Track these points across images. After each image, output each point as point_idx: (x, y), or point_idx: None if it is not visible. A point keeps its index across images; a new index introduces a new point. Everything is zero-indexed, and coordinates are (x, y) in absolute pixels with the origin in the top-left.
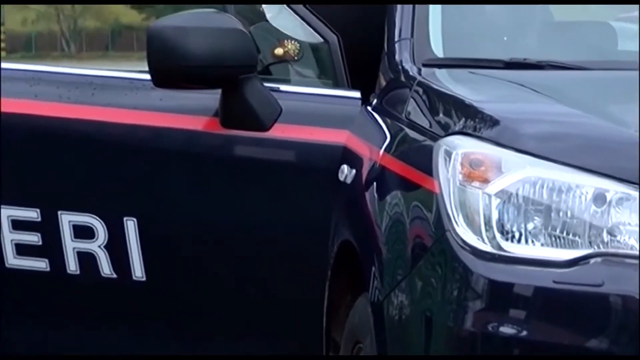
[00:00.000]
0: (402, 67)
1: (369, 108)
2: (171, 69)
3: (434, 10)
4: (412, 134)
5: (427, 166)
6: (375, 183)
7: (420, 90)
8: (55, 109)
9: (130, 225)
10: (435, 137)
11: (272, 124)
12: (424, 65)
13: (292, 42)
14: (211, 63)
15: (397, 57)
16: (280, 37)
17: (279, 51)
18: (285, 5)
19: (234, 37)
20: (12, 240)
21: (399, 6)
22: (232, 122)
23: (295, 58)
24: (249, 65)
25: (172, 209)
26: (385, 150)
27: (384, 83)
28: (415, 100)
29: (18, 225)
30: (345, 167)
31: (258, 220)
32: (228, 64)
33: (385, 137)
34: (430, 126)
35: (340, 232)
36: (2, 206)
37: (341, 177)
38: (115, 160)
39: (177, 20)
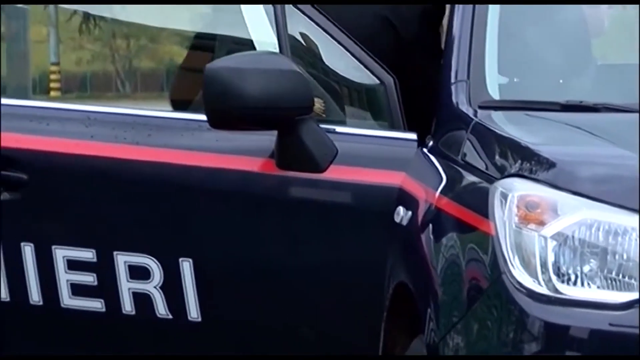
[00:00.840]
0: (459, 109)
1: (425, 150)
2: (227, 110)
3: (490, 52)
4: (468, 176)
5: (483, 208)
6: (431, 225)
7: (477, 133)
8: (111, 149)
9: (186, 266)
10: (491, 179)
11: (327, 165)
12: (480, 107)
13: (318, 100)
14: (267, 104)
15: (453, 99)
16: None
17: None
18: (342, 47)
19: (290, 79)
20: (67, 281)
21: (455, 48)
22: (288, 163)
23: (323, 115)
24: (305, 106)
25: (228, 250)
26: (441, 192)
27: (440, 125)
28: (471, 142)
29: (73, 265)
30: (401, 209)
31: (313, 262)
32: (284, 106)
33: (441, 179)
34: (487, 168)
35: (395, 273)
36: (58, 246)
37: (397, 219)
38: (171, 201)
39: (233, 62)
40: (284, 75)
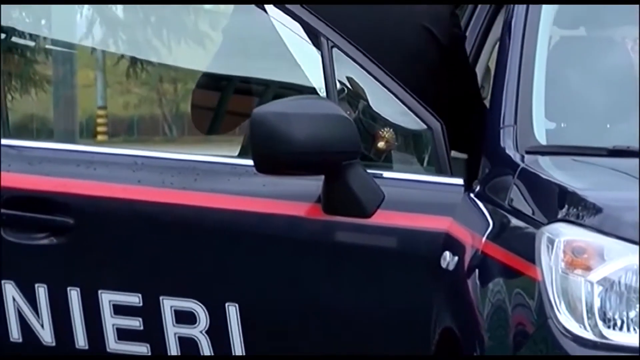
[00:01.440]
0: (506, 154)
1: (472, 195)
2: (274, 155)
3: (538, 97)
4: (515, 221)
5: (529, 253)
6: (477, 270)
7: (524, 178)
8: (158, 194)
9: (232, 311)
10: (538, 225)
11: (374, 210)
12: (527, 152)
13: (386, 130)
14: (314, 149)
15: (500, 143)
16: (373, 129)
17: (381, 145)
18: (389, 92)
19: (337, 123)
20: (113, 325)
21: (502, 93)
22: (335, 208)
23: (396, 143)
24: (352, 151)
25: (274, 295)
26: (487, 237)
27: (486, 170)
28: (518, 187)
29: (119, 310)
30: (447, 254)
31: (360, 306)
32: (330, 150)
33: (488, 224)
34: (533, 213)
35: (441, 319)
36: (104, 291)
37: (443, 264)
38: (217, 246)
39: (279, 106)
40: (331, 120)
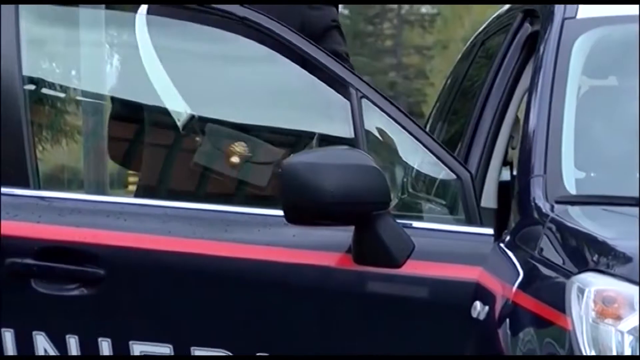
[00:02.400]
0: (535, 204)
1: (502, 244)
2: (304, 205)
3: (567, 147)
4: (545, 270)
5: (560, 303)
6: (507, 320)
7: (553, 228)
8: (188, 245)
9: None
10: (568, 274)
11: (404, 260)
12: (557, 202)
13: (237, 143)
14: (344, 200)
15: (529, 194)
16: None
17: (234, 160)
18: (418, 142)
19: (367, 174)
20: None
21: (531, 142)
22: (365, 258)
23: (250, 154)
24: (382, 201)
25: (305, 345)
26: (518, 286)
27: (516, 220)
28: (548, 237)
29: None
30: (478, 304)
31: (391, 357)
32: (361, 201)
33: (518, 274)
34: (563, 263)
35: None
36: (135, 342)
37: (474, 314)
38: (247, 296)
39: (309, 157)
40: (361, 171)
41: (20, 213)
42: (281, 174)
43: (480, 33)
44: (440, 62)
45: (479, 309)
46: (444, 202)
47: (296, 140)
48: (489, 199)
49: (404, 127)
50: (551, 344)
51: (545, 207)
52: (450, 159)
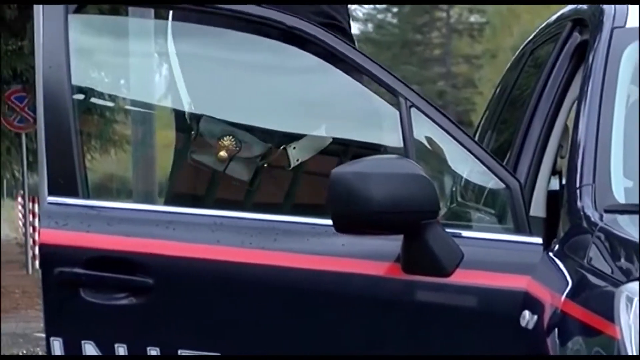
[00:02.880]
0: (584, 213)
1: (551, 254)
2: (353, 214)
3: (616, 155)
4: (594, 279)
5: (608, 312)
6: (556, 329)
7: (602, 237)
8: (237, 254)
9: None
10: (616, 284)
11: (453, 269)
12: (606, 211)
13: (226, 137)
14: (393, 209)
15: (578, 203)
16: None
17: (222, 155)
18: (467, 151)
19: (416, 183)
20: None
21: (580, 151)
22: (414, 267)
23: (237, 148)
24: (431, 210)
25: (354, 354)
26: (567, 295)
27: (565, 229)
28: (596, 246)
29: None
30: (527, 313)
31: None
32: (410, 210)
33: (567, 283)
34: (612, 272)
35: None
36: (183, 350)
37: (523, 323)
38: (296, 306)
39: (358, 166)
40: (410, 180)
41: (69, 222)
42: (330, 183)
43: (529, 42)
44: (489, 71)
45: (527, 318)
46: (493, 211)
47: (346, 149)
48: (538, 208)
49: (453, 136)
50: (599, 353)
51: (594, 216)
52: (499, 168)
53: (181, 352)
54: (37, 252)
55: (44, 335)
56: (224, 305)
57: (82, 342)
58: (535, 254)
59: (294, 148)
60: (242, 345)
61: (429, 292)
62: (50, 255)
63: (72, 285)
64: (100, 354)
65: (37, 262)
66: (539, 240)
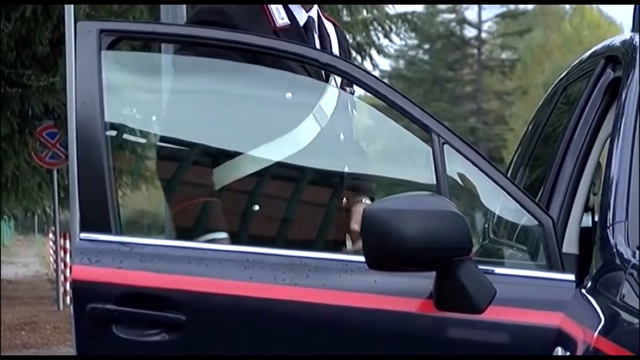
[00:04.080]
0: (617, 250)
1: (583, 291)
2: (386, 251)
3: None
4: (626, 316)
5: None
6: None
7: (635, 274)
8: (270, 290)
9: None
10: None
11: (486, 306)
12: (639, 248)
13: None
14: (426, 246)
15: (611, 240)
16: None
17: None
18: (500, 188)
19: (449, 220)
20: None
21: (613, 188)
22: (446, 303)
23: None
24: (464, 247)
25: None
26: (599, 332)
27: (597, 266)
28: (629, 283)
29: None
30: (559, 350)
31: None
32: (443, 247)
33: (600, 320)
34: None
35: None
36: None
37: None
38: (329, 341)
39: (392, 204)
40: (443, 217)
41: (102, 258)
42: (363, 220)
43: (562, 79)
44: (520, 108)
45: (560, 354)
46: (525, 248)
47: (379, 186)
48: (570, 244)
49: (485, 173)
50: None
51: (627, 253)
52: (532, 205)
53: None
54: (68, 288)
55: None
56: (255, 340)
57: None
58: (568, 290)
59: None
60: None
61: (461, 329)
62: (83, 292)
63: (104, 321)
64: None
65: (68, 298)
66: (572, 277)
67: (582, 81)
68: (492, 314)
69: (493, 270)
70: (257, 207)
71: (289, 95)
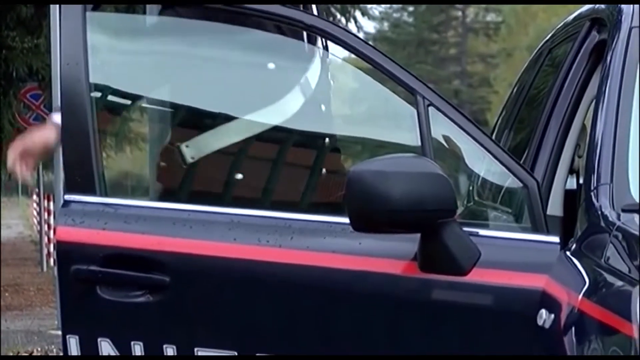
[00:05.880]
0: (601, 212)
1: (568, 253)
2: (370, 213)
3: (634, 155)
4: (611, 278)
5: (625, 311)
6: (573, 328)
7: (620, 236)
8: (254, 252)
9: None
10: (633, 282)
11: (470, 268)
12: (624, 210)
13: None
14: (410, 207)
15: (596, 202)
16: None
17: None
18: (485, 150)
19: (434, 182)
20: None
21: (597, 151)
22: (431, 265)
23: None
24: (448, 209)
25: (368, 352)
26: (584, 295)
27: (582, 228)
28: (614, 245)
29: None
30: (543, 312)
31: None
32: (427, 208)
33: (584, 282)
34: (629, 271)
35: None
36: (200, 348)
37: (539, 322)
38: (312, 304)
39: (376, 165)
40: (428, 178)
41: (86, 220)
42: (348, 181)
43: (546, 41)
44: (505, 70)
45: (544, 317)
46: (510, 210)
47: (364, 148)
48: (555, 207)
49: (470, 135)
50: (617, 352)
51: (611, 215)
52: (517, 167)
53: (197, 350)
54: (51, 249)
55: (59, 332)
56: (239, 303)
57: (99, 339)
58: (553, 253)
59: (187, 146)
60: (258, 343)
61: (445, 291)
62: (67, 253)
63: (89, 282)
64: (116, 351)
65: (51, 260)
66: (556, 239)
67: (567, 44)
68: (476, 275)
69: (477, 232)
70: (240, 176)
71: (272, 65)
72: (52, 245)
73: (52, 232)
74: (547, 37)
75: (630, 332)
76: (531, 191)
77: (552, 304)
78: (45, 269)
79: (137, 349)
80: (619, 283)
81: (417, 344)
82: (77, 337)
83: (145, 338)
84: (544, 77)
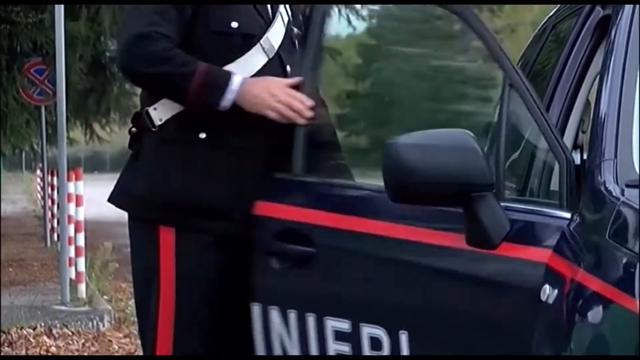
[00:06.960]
0: (605, 187)
1: (572, 227)
2: (406, 185)
3: (638, 131)
4: (615, 254)
5: (628, 286)
6: (576, 303)
7: (623, 211)
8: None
9: (403, 339)
10: (637, 258)
11: (500, 242)
12: (627, 185)
13: None
14: (444, 181)
15: (600, 177)
16: None
17: None
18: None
19: (469, 155)
20: (335, 350)
21: (602, 126)
22: (468, 239)
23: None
24: (483, 184)
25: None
26: (587, 269)
27: (587, 203)
28: (617, 220)
29: (337, 336)
30: (547, 287)
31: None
32: (462, 182)
33: (588, 257)
34: (633, 247)
35: (542, 352)
36: (326, 317)
37: (543, 297)
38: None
39: (413, 138)
40: (463, 152)
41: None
42: (385, 154)
43: (551, 17)
44: (509, 46)
45: (548, 292)
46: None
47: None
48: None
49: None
50: (619, 327)
51: (615, 190)
52: (554, 142)
53: (325, 319)
54: (55, 224)
55: (62, 307)
56: (371, 278)
57: (269, 307)
58: (558, 228)
59: (155, 109)
60: (363, 313)
61: (449, 258)
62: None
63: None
64: (281, 319)
65: (55, 235)
66: (568, 214)
67: (571, 19)
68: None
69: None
70: (203, 135)
71: (234, 24)
72: (55, 221)
73: (55, 207)
74: (552, 13)
75: (634, 307)
76: (561, 167)
77: (555, 279)
78: (49, 244)
79: (292, 316)
80: (623, 258)
81: (416, 310)
82: (259, 305)
83: (297, 307)
84: (548, 53)
